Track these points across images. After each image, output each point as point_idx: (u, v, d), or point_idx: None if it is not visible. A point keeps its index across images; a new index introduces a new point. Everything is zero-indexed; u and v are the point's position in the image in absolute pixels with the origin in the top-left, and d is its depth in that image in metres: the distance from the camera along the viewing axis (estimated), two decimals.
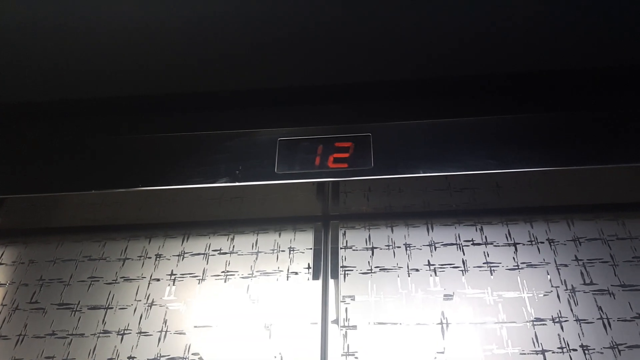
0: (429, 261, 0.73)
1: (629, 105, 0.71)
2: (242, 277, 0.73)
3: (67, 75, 0.71)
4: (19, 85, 0.73)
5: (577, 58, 0.70)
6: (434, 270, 0.72)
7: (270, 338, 0.67)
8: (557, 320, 0.66)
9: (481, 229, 0.75)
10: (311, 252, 0.76)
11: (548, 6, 0.63)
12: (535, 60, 0.70)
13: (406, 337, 0.66)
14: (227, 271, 0.74)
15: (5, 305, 0.74)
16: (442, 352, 0.64)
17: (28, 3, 0.62)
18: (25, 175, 0.73)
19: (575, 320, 0.65)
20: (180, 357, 0.66)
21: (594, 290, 0.68)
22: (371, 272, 0.72)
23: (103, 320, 0.71)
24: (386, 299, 0.69)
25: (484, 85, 0.74)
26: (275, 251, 0.76)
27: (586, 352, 0.63)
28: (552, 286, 0.69)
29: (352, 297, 0.70)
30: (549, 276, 0.70)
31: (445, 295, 0.69)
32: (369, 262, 0.73)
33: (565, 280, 0.69)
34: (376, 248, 0.75)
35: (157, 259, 0.77)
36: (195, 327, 0.69)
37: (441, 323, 0.67)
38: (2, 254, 0.80)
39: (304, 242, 0.77)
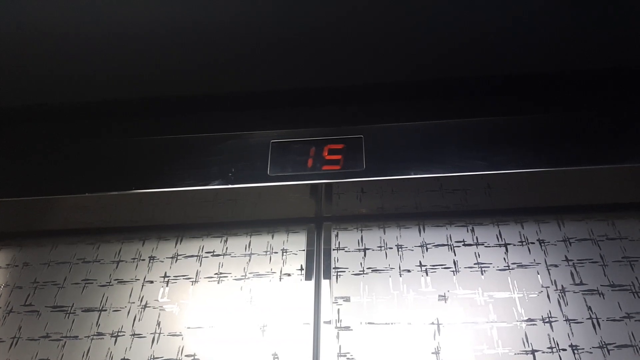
0: (420, 262, 0.73)
1: (619, 107, 0.72)
2: (236, 279, 0.74)
3: (61, 79, 0.72)
4: (14, 89, 0.73)
5: (568, 60, 0.71)
6: (426, 271, 0.72)
7: (264, 339, 0.67)
8: (547, 320, 0.66)
9: (472, 230, 0.76)
10: (304, 254, 0.76)
11: (542, 8, 0.64)
12: (526, 63, 0.71)
13: (398, 338, 0.66)
14: (221, 273, 0.75)
15: (0, 307, 0.74)
16: (434, 352, 0.64)
17: (27, 7, 0.63)
18: (19, 178, 0.73)
19: (565, 320, 0.66)
20: (174, 359, 0.66)
21: (584, 291, 0.68)
22: (363, 273, 0.73)
23: (97, 322, 0.71)
24: (378, 300, 0.70)
25: (474, 88, 0.75)
26: (268, 253, 0.77)
27: (575, 351, 0.63)
28: (542, 286, 0.69)
29: (345, 298, 0.70)
30: (539, 276, 0.70)
31: (437, 296, 0.70)
32: (361, 263, 0.74)
33: (555, 281, 0.70)
34: (368, 249, 0.75)
35: (151, 261, 0.77)
36: (188, 328, 0.69)
37: (433, 323, 0.67)
38: None
39: (296, 243, 0.77)
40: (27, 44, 0.66)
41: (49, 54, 0.67)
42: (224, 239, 0.79)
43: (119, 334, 0.70)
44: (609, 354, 0.63)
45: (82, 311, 0.72)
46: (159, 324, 0.70)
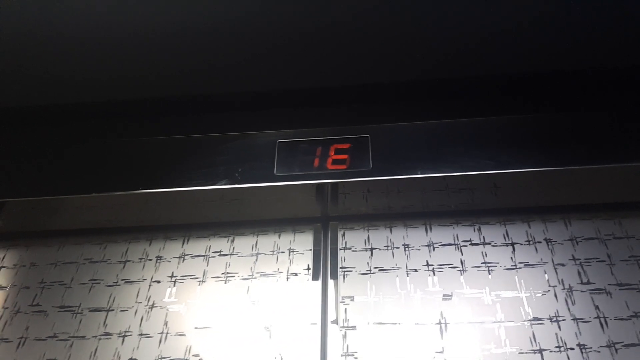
0: (427, 261, 0.73)
1: (625, 105, 0.72)
2: (242, 279, 0.74)
3: (67, 80, 0.72)
4: (19, 89, 0.73)
5: (573, 59, 0.71)
6: (433, 271, 0.72)
7: (271, 339, 0.68)
8: (554, 319, 0.66)
9: (479, 229, 0.76)
10: (311, 253, 0.76)
11: (545, 9, 0.64)
12: (532, 62, 0.71)
13: (405, 337, 0.66)
14: (227, 273, 0.75)
15: (7, 308, 0.74)
16: (441, 352, 0.64)
17: (27, 10, 0.63)
18: (26, 179, 0.73)
19: (573, 319, 0.66)
20: (181, 359, 0.67)
21: (591, 290, 0.68)
22: (370, 273, 0.73)
23: (104, 322, 0.71)
24: (385, 300, 0.70)
25: (481, 87, 0.75)
26: (275, 252, 0.77)
27: (583, 351, 0.63)
28: (549, 285, 0.69)
29: (352, 298, 0.70)
30: (546, 276, 0.70)
31: (443, 295, 0.70)
32: (368, 262, 0.74)
33: (562, 280, 0.70)
34: (375, 249, 0.75)
35: (158, 261, 0.77)
36: (195, 328, 0.69)
37: (440, 323, 0.67)
38: (3, 257, 0.81)
39: (303, 243, 0.77)
40: (32, 45, 0.67)
41: (58, 56, 0.67)
42: (231, 238, 0.79)
43: (127, 334, 0.70)
44: (616, 352, 0.63)
45: (90, 311, 0.73)
46: (166, 323, 0.70)
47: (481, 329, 0.66)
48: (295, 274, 0.74)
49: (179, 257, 0.77)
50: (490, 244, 0.74)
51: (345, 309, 0.69)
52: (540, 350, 0.64)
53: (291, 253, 0.76)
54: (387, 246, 0.75)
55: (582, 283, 0.69)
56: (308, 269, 0.74)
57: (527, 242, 0.74)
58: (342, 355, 0.65)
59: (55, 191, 0.72)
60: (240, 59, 0.69)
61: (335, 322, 0.69)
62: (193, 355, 0.67)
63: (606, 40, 0.68)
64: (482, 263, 0.72)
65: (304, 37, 0.67)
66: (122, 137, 0.75)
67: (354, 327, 0.68)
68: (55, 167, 0.74)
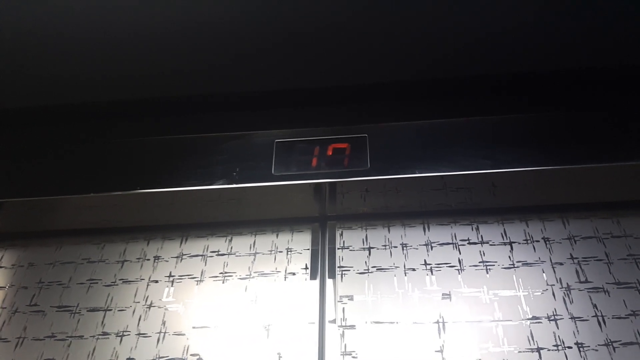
0: (425, 261, 0.73)
1: (623, 105, 0.72)
2: (240, 278, 0.74)
3: (67, 80, 0.72)
4: (17, 90, 0.73)
5: (571, 58, 0.71)
6: (431, 270, 0.72)
7: (269, 338, 0.67)
8: (552, 318, 0.66)
9: (477, 228, 0.76)
10: (309, 253, 0.76)
11: (544, 8, 0.64)
12: (529, 61, 0.71)
13: (403, 336, 0.66)
14: (225, 272, 0.75)
15: (5, 307, 0.74)
16: (440, 351, 0.64)
17: (27, 10, 0.63)
18: (24, 179, 0.74)
19: (571, 318, 0.66)
20: (179, 358, 0.66)
21: (589, 288, 0.68)
22: (368, 272, 0.73)
23: (102, 322, 0.71)
24: (383, 299, 0.70)
25: (479, 86, 0.75)
26: (273, 252, 0.77)
27: (581, 349, 0.63)
28: (547, 284, 0.69)
29: (350, 297, 0.70)
30: (544, 274, 0.70)
31: (441, 295, 0.70)
32: (366, 262, 0.74)
33: (560, 279, 0.70)
34: (373, 248, 0.75)
35: (156, 260, 0.77)
36: (193, 328, 0.69)
37: (438, 322, 0.67)
38: (1, 257, 0.81)
39: (301, 242, 0.77)
40: (30, 45, 0.67)
41: (58, 56, 0.68)
42: (229, 238, 0.79)
43: (124, 333, 0.70)
44: (614, 351, 0.63)
45: (87, 311, 0.72)
46: (164, 323, 0.70)
47: (479, 328, 0.66)
48: (293, 274, 0.74)
49: (177, 257, 0.77)
50: (488, 243, 0.74)
51: (343, 308, 0.69)
52: (538, 349, 0.63)
53: (289, 252, 0.76)
54: (385, 245, 0.75)
55: (580, 282, 0.69)
56: (306, 268, 0.74)
57: (525, 241, 0.74)
58: (340, 354, 0.65)
59: (54, 191, 0.72)
60: (238, 59, 0.70)
61: (334, 321, 0.68)
62: (191, 355, 0.67)
63: (606, 40, 0.68)
64: (480, 262, 0.72)
65: (303, 37, 0.67)
66: (119, 137, 0.75)
67: (352, 327, 0.68)
68: (54, 167, 0.74)
